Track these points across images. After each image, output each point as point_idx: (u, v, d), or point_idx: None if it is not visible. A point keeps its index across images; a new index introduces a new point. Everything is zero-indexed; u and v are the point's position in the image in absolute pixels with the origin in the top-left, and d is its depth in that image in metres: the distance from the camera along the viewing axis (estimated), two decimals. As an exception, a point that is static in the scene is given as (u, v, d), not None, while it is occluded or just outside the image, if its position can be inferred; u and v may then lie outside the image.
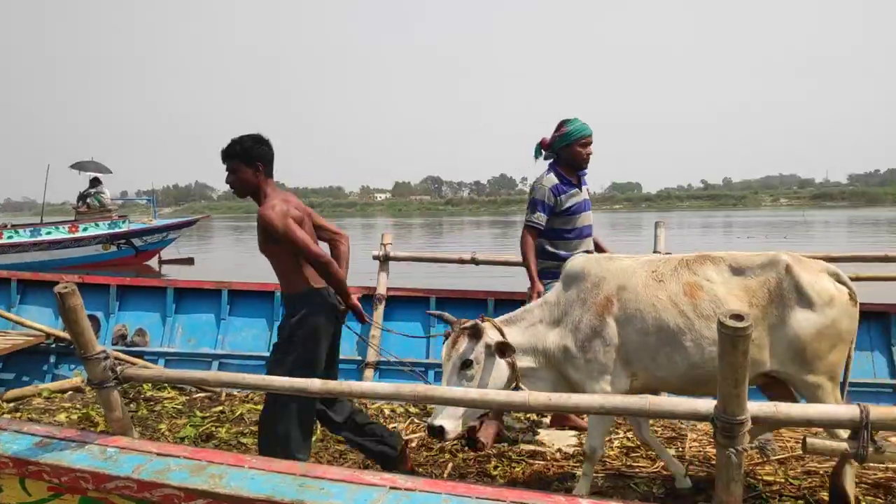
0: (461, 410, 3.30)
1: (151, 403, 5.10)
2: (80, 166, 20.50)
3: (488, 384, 3.41)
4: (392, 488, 2.28)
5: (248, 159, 3.58)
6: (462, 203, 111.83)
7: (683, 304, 3.36)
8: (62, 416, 4.92)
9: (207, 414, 4.90)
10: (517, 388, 3.52)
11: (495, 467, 4.08)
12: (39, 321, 5.85)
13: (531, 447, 4.40)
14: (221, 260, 24.10)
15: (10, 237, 18.11)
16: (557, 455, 4.26)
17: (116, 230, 19.39)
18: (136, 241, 19.96)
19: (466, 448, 4.27)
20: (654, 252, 5.42)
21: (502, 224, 53.64)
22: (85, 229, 18.96)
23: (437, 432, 3.29)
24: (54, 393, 5.39)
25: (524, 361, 3.53)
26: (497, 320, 3.60)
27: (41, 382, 5.76)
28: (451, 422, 3.29)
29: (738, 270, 3.42)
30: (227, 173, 3.64)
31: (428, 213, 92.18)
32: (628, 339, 3.41)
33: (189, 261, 21.61)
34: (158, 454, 2.52)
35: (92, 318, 5.66)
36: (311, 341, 3.61)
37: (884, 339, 5.57)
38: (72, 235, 18.72)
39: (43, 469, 2.53)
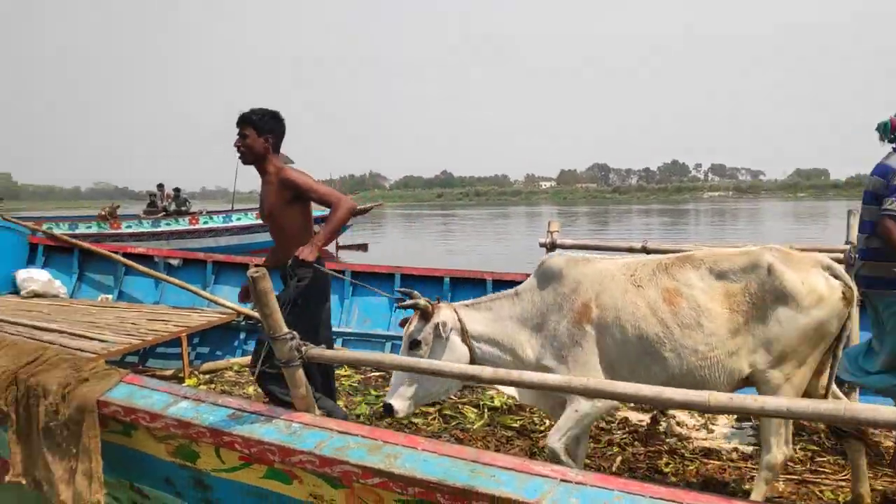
0: (412, 391, 3.35)
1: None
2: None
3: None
4: (563, 481, 2.26)
5: (260, 129, 3.89)
6: (630, 191, 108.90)
7: (663, 312, 3.20)
8: (250, 389, 5.28)
9: (381, 393, 5.09)
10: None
11: (667, 464, 3.94)
12: (231, 300, 6.30)
13: (706, 444, 4.20)
14: (393, 246, 24.96)
15: (205, 222, 19.76)
16: (734, 455, 4.05)
17: (298, 217, 20.65)
18: (316, 228, 21.10)
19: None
20: (846, 244, 5.00)
21: (672, 213, 51.72)
22: (271, 216, 20.37)
23: (387, 410, 3.37)
24: (243, 367, 5.80)
25: (489, 352, 3.47)
26: (459, 304, 3.57)
27: (232, 357, 6.24)
28: (401, 402, 3.35)
29: (719, 274, 3.23)
30: (237, 136, 3.92)
31: (594, 202, 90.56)
32: (608, 349, 3.28)
33: (363, 247, 22.58)
34: (339, 432, 2.64)
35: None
36: (318, 305, 3.83)
37: None
38: (258, 222, 20.12)
39: (235, 440, 2.73)
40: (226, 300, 6.30)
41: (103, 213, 19.40)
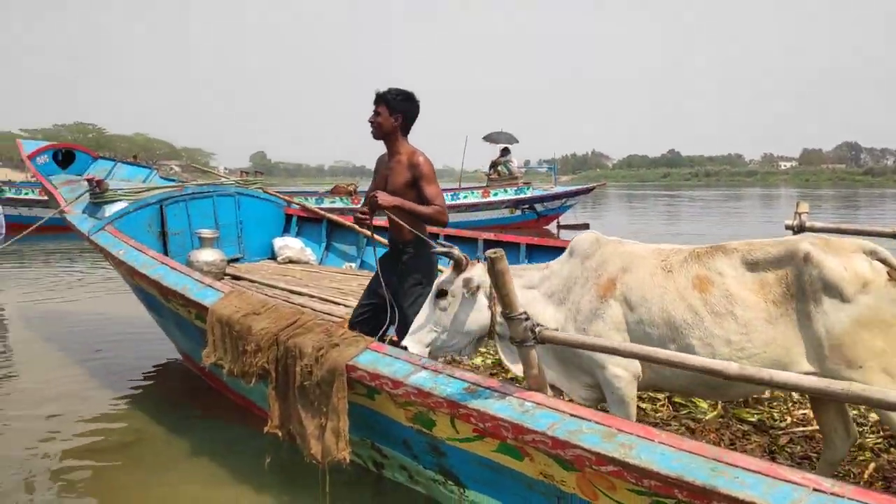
0: (430, 339, 3.36)
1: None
2: (490, 138, 22.48)
3: (463, 322, 3.39)
4: (815, 490, 2.09)
5: (393, 108, 4.07)
6: (886, 173, 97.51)
7: (692, 298, 3.07)
8: (478, 360, 5.42)
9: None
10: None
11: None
12: None
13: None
14: (615, 226, 24.46)
15: (434, 200, 20.62)
16: None
17: (522, 196, 20.87)
18: (538, 207, 21.25)
19: None
20: None
21: (940, 198, 45.54)
22: (495, 194, 20.76)
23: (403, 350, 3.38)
24: None
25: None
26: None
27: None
28: (416, 345, 3.36)
29: (752, 264, 3.05)
30: (372, 112, 4.11)
31: (840, 185, 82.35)
32: (631, 328, 3.18)
33: (585, 226, 22.36)
34: (571, 415, 2.64)
35: None
36: (430, 282, 3.89)
37: None
38: (484, 200, 20.65)
39: (471, 413, 2.83)
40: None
41: (343, 187, 20.86)
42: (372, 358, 3.31)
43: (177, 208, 6.46)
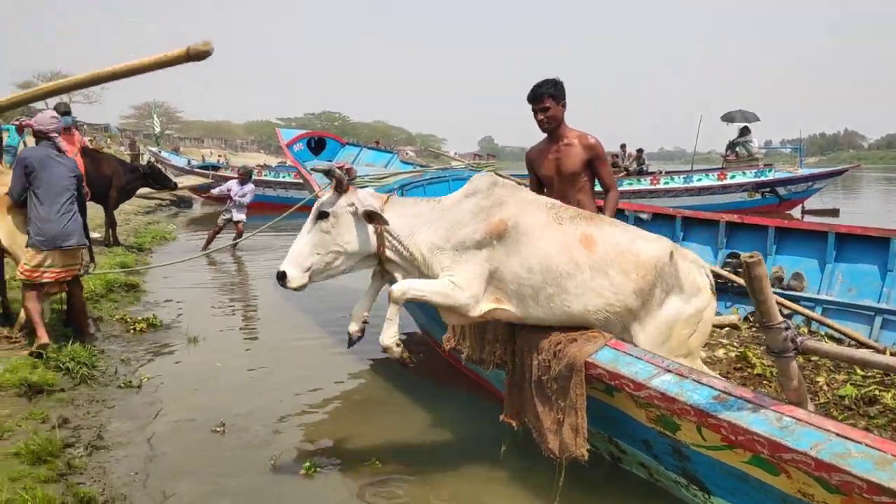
0: (310, 261, 3.45)
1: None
2: (728, 117, 21.09)
3: (348, 242, 3.49)
4: None
5: (557, 98, 4.23)
6: None
7: (577, 252, 3.40)
8: (720, 352, 5.10)
9: (870, 373, 4.48)
10: (383, 271, 3.69)
11: None
12: (700, 256, 6.08)
13: None
14: (867, 212, 22.01)
15: (665, 183, 19.82)
16: None
17: (762, 178, 19.43)
18: (781, 190, 19.67)
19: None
20: None
21: None
22: (732, 177, 19.52)
23: (279, 277, 3.47)
24: (712, 327, 5.58)
25: (394, 245, 3.55)
26: (383, 195, 3.66)
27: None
28: (295, 269, 3.44)
29: (633, 240, 3.52)
30: (537, 111, 4.25)
31: None
32: (509, 269, 3.41)
33: (834, 212, 20.35)
34: (837, 434, 2.41)
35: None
36: None
37: None
38: (719, 182, 19.49)
39: (720, 424, 2.67)
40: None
41: None
42: (611, 356, 3.24)
43: (416, 192, 6.76)
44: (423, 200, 3.84)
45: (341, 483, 3.92)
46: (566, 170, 4.30)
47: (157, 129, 32.37)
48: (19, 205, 5.48)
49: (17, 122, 12.81)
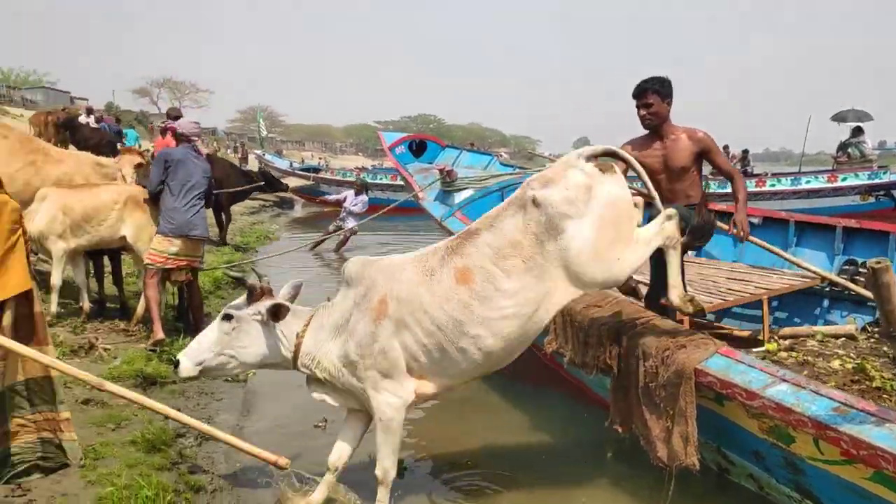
0: (203, 357, 3.47)
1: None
2: (840, 117, 20.03)
3: (245, 347, 3.46)
4: None
5: (664, 95, 4.18)
6: None
7: (459, 293, 3.18)
8: (836, 363, 4.85)
9: None
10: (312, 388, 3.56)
11: None
12: (814, 263, 5.79)
13: None
14: None
15: (772, 185, 19.02)
16: None
17: (876, 181, 18.34)
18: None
19: None
20: None
21: None
22: (843, 179, 18.51)
23: (175, 364, 3.55)
24: (827, 336, 5.37)
25: (307, 356, 3.46)
26: (306, 315, 3.54)
27: (812, 324, 5.81)
28: (187, 362, 3.48)
29: (497, 233, 3.21)
30: (640, 106, 4.21)
31: None
32: (410, 340, 3.24)
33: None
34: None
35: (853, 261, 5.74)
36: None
37: None
38: (830, 185, 18.50)
39: (840, 437, 2.56)
40: (809, 263, 5.87)
41: None
42: (723, 364, 3.14)
43: None
44: (320, 309, 3.59)
45: (433, 481, 3.97)
46: (675, 165, 4.24)
47: (263, 133, 33.49)
48: (152, 202, 5.89)
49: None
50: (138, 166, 7.60)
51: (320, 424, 4.60)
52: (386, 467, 3.37)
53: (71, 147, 13.39)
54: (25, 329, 2.20)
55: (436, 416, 4.95)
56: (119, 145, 15.00)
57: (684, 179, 4.29)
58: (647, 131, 4.34)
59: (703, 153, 4.25)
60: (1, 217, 2.13)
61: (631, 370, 3.52)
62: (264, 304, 3.46)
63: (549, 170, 3.34)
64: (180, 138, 5.97)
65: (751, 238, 5.80)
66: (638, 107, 4.27)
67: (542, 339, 4.17)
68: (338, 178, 23.85)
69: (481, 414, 4.95)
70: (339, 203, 12.84)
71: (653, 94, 4.20)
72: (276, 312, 3.42)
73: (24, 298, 2.19)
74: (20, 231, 2.17)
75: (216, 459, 4.04)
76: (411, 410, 3.44)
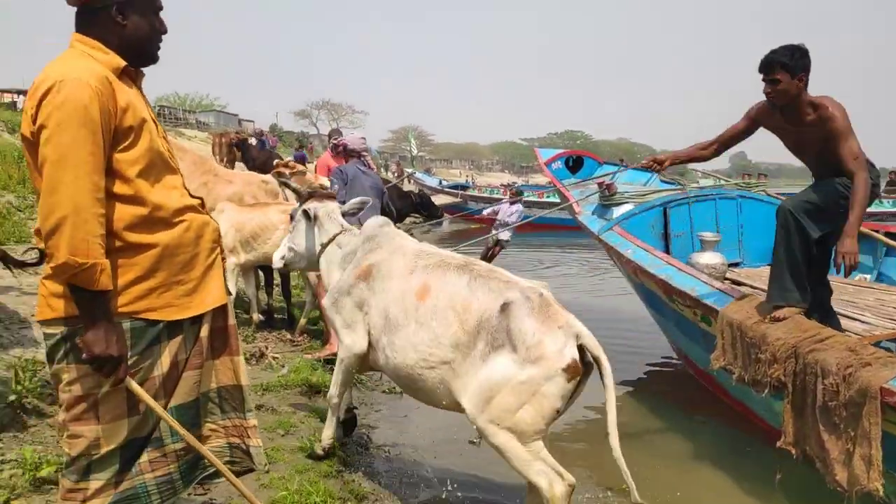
0: (282, 252, 4.13)
1: None
2: None
3: (300, 243, 4.01)
4: None
5: (794, 70, 3.64)
6: None
7: (409, 303, 3.27)
8: None
9: None
10: None
11: None
12: None
13: None
14: None
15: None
16: None
17: None
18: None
19: None
20: None
21: None
22: None
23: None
24: None
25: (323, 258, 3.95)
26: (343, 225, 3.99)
27: None
28: (277, 259, 4.17)
29: (472, 289, 3.14)
30: (766, 81, 3.73)
31: None
32: (370, 312, 3.45)
33: None
34: None
35: None
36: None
37: None
38: None
39: None
40: None
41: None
42: (913, 383, 2.86)
43: (679, 211, 6.53)
44: (351, 238, 3.91)
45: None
46: (807, 146, 3.89)
47: (414, 152, 34.42)
48: None
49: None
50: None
51: (475, 441, 4.59)
52: (331, 394, 3.78)
53: (241, 166, 14.38)
54: (220, 340, 2.34)
55: (591, 437, 4.85)
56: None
57: (827, 161, 3.82)
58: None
59: (828, 138, 3.71)
60: (204, 237, 2.27)
61: (808, 388, 3.36)
62: (307, 206, 3.97)
63: (546, 313, 2.98)
64: (350, 154, 6.20)
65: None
66: (764, 82, 3.82)
67: (704, 359, 3.96)
68: (485, 195, 24.04)
69: (639, 441, 4.83)
70: (493, 215, 12.88)
71: (780, 69, 3.71)
72: (306, 213, 3.93)
73: (221, 312, 2.34)
74: (218, 249, 2.31)
75: (376, 468, 4.13)
76: (367, 369, 3.75)
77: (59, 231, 1.86)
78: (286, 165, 8.24)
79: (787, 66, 3.67)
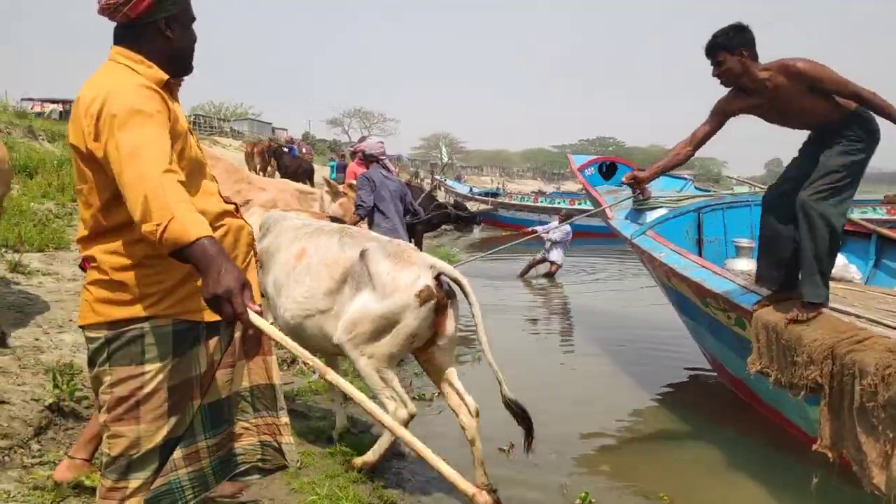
0: None
1: None
2: None
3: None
4: None
5: (730, 49, 3.73)
6: None
7: (289, 265, 3.87)
8: None
9: None
10: None
11: None
12: None
13: None
14: None
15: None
16: None
17: None
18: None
19: None
20: None
21: None
22: None
23: None
24: None
25: None
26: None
27: None
28: None
29: (342, 244, 3.75)
30: (713, 67, 3.82)
31: None
32: (268, 289, 3.98)
33: None
34: None
35: None
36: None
37: None
38: None
39: None
40: None
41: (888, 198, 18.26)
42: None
43: (714, 216, 6.47)
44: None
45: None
46: (791, 107, 3.81)
47: (445, 159, 34.42)
48: (359, 222, 6.17)
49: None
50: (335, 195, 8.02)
51: (505, 449, 4.54)
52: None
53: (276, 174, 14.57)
54: (252, 341, 2.38)
55: (623, 446, 4.85)
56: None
57: (813, 116, 3.82)
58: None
59: (813, 87, 3.68)
60: (240, 240, 2.31)
61: (845, 389, 3.29)
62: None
63: (401, 255, 3.61)
64: (370, 159, 6.27)
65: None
66: (712, 66, 3.88)
67: (737, 365, 3.89)
68: (516, 202, 23.99)
69: (671, 449, 4.81)
70: (544, 232, 12.76)
71: (720, 51, 3.79)
72: None
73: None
74: (252, 252, 2.37)
75: (403, 476, 4.12)
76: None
77: (147, 213, 1.80)
78: (328, 185, 8.28)
79: (724, 45, 3.78)
